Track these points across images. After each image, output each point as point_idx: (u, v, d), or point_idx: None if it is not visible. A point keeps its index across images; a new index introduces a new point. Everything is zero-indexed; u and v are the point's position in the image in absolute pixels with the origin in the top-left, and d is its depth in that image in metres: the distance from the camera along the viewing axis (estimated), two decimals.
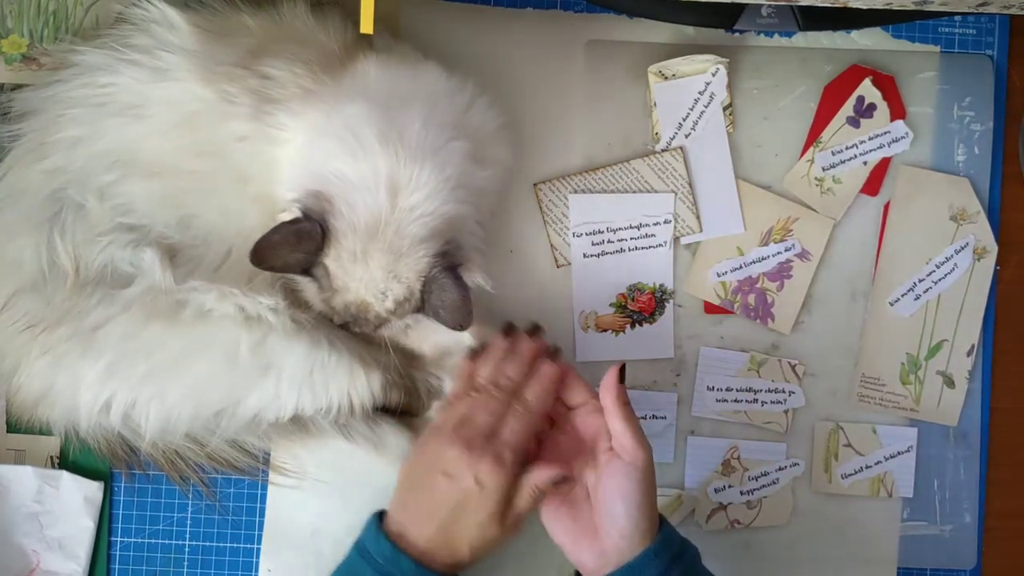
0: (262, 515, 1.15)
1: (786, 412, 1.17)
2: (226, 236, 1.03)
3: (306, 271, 1.01)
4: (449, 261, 1.00)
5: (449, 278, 0.99)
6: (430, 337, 1.10)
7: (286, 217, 0.99)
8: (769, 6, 1.07)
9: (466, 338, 1.09)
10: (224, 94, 0.99)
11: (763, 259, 1.16)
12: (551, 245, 1.16)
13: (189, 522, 1.15)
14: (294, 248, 0.98)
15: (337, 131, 0.97)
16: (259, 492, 1.15)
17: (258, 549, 1.15)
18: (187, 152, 1.01)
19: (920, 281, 1.17)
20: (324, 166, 0.98)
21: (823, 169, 1.16)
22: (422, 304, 1.01)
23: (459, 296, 0.99)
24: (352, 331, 1.06)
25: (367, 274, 0.99)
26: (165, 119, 1.01)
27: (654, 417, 1.16)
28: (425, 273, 0.99)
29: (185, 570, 1.15)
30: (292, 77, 1.00)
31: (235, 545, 1.15)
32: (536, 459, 1.03)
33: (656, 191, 1.15)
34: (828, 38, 1.17)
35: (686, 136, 1.15)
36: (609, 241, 1.15)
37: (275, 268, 1.00)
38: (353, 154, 0.97)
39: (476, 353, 1.07)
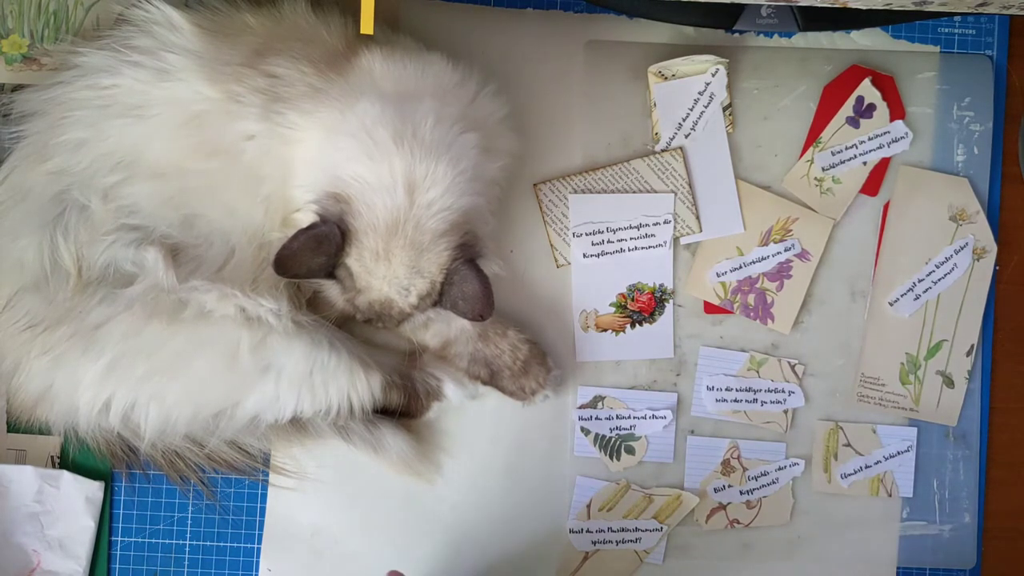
0: (262, 515, 1.15)
1: (786, 412, 1.17)
2: (231, 236, 1.03)
3: (329, 274, 1.01)
4: (468, 253, 1.00)
5: (470, 270, 1.00)
6: (432, 326, 1.11)
7: (302, 218, 0.99)
8: (769, 6, 1.07)
9: (468, 325, 1.09)
10: (231, 94, 1.00)
11: (763, 259, 1.16)
12: (551, 245, 1.16)
13: (189, 522, 1.15)
14: (315, 253, 0.98)
15: (352, 131, 0.98)
16: (259, 492, 1.15)
17: (258, 549, 1.15)
18: (193, 152, 1.01)
19: (920, 281, 1.17)
20: (341, 168, 0.98)
21: (823, 169, 1.16)
22: (440, 297, 1.01)
23: (480, 287, 1.00)
24: (375, 327, 1.08)
25: (390, 271, 0.99)
26: (170, 119, 1.01)
27: (654, 417, 1.16)
28: (446, 266, 1.00)
29: (185, 570, 1.15)
30: (299, 75, 1.00)
31: (235, 545, 1.16)
32: None
33: (656, 191, 1.16)
34: (828, 38, 1.17)
35: (686, 136, 1.16)
36: (609, 241, 1.15)
37: (299, 275, 1.01)
38: (369, 155, 0.97)
39: None
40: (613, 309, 1.16)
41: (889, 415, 1.17)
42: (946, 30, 1.17)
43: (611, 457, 1.16)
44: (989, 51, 1.18)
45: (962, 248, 1.17)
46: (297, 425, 1.11)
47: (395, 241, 0.98)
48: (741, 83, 1.17)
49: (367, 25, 0.93)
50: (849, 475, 1.17)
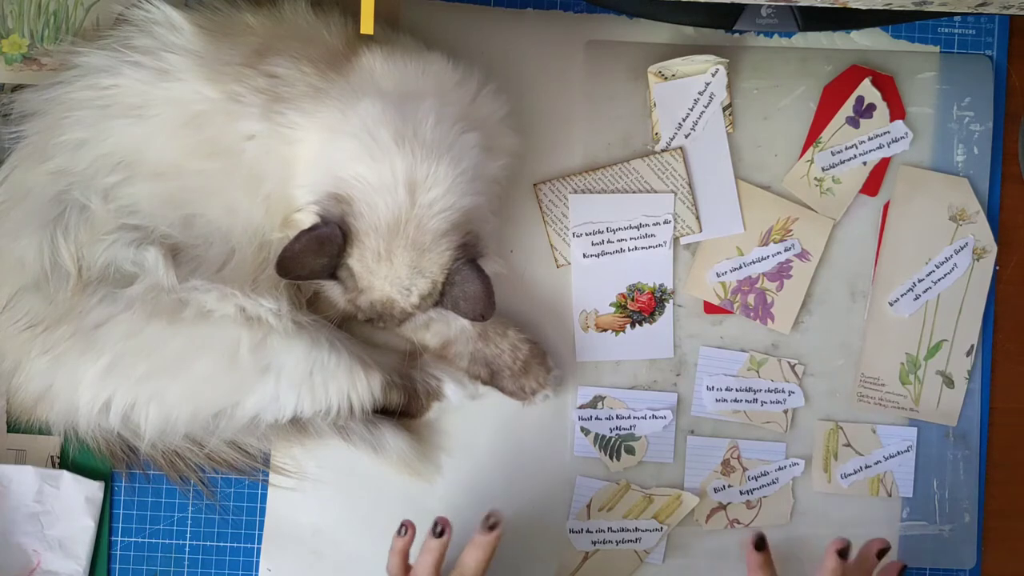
0: (262, 515, 1.15)
1: (786, 412, 1.17)
2: (230, 236, 1.03)
3: (331, 275, 1.01)
4: (470, 253, 1.00)
5: (472, 270, 1.00)
6: (433, 326, 1.11)
7: (303, 219, 0.99)
8: (769, 6, 1.07)
9: (468, 325, 1.09)
10: (232, 94, 1.00)
11: (763, 259, 1.16)
12: (551, 245, 1.16)
13: (189, 522, 1.15)
14: (317, 254, 0.98)
15: (353, 132, 0.98)
16: (259, 492, 1.15)
17: (258, 549, 1.15)
18: (193, 152, 1.01)
19: (920, 281, 1.17)
20: (342, 168, 0.98)
21: (823, 169, 1.16)
22: (441, 297, 1.01)
23: (482, 287, 1.00)
24: (376, 327, 1.08)
25: (392, 272, 0.99)
26: (170, 120, 1.01)
27: (654, 417, 1.16)
28: (448, 266, 1.00)
29: (185, 570, 1.15)
30: (300, 75, 1.00)
31: (235, 545, 1.16)
32: None
33: (656, 191, 1.16)
34: (828, 38, 1.17)
35: (686, 136, 1.16)
36: (609, 241, 1.15)
37: (302, 276, 1.00)
38: (371, 155, 0.97)
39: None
40: (613, 309, 1.16)
41: (889, 415, 1.17)
42: (946, 30, 1.17)
43: (611, 457, 1.16)
44: (989, 51, 1.18)
45: (962, 248, 1.17)
46: (297, 425, 1.11)
47: (397, 241, 0.98)
48: (741, 83, 1.17)
49: (367, 25, 0.93)
50: (849, 475, 1.17)
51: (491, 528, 1.04)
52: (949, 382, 1.17)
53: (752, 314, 1.17)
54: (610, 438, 1.16)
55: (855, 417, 1.17)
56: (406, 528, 1.05)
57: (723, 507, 1.16)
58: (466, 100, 1.03)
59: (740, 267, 1.16)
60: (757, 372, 1.17)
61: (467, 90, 1.03)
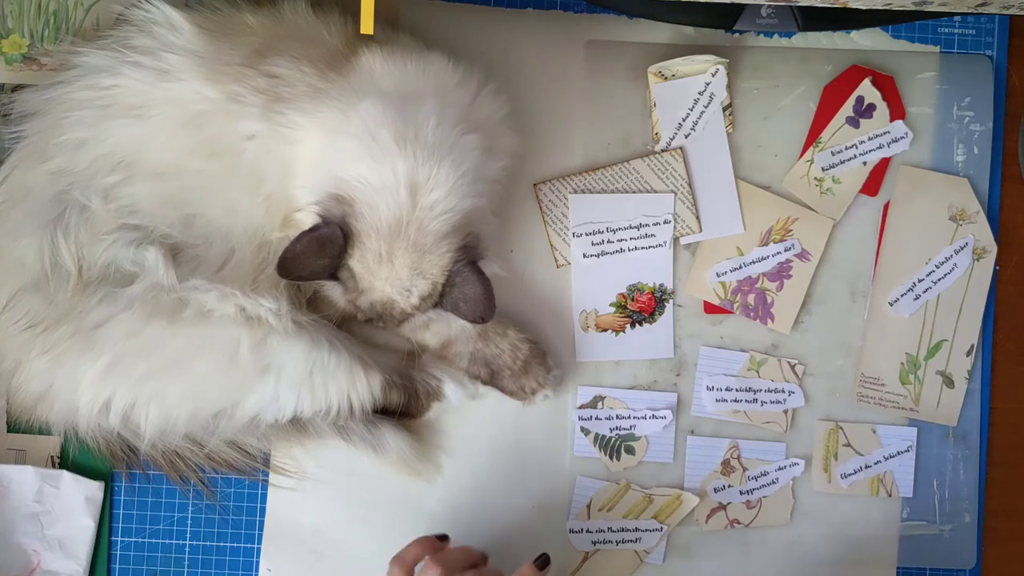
0: (262, 515, 1.15)
1: (786, 412, 1.17)
2: (230, 236, 1.03)
3: (332, 275, 1.01)
4: (470, 255, 1.00)
5: (472, 271, 1.00)
6: (433, 326, 1.11)
7: (303, 218, 0.99)
8: (769, 6, 1.07)
9: (468, 325, 1.09)
10: (232, 94, 1.00)
11: (763, 259, 1.16)
12: (551, 245, 1.16)
13: (189, 522, 1.15)
14: (318, 255, 0.98)
15: (354, 133, 0.98)
16: (259, 492, 1.15)
17: (258, 549, 1.15)
18: (193, 152, 1.01)
19: (920, 281, 1.17)
20: (343, 169, 0.98)
21: (823, 169, 1.16)
22: (440, 298, 1.01)
23: (482, 289, 1.00)
24: (376, 327, 1.08)
25: (392, 273, 0.99)
26: (170, 120, 1.01)
27: (654, 417, 1.16)
28: (448, 268, 1.00)
29: (185, 570, 1.15)
30: (300, 75, 1.00)
31: (235, 545, 1.16)
32: None
33: (656, 191, 1.16)
34: (828, 38, 1.17)
35: (686, 136, 1.16)
36: (609, 241, 1.15)
37: (303, 277, 1.01)
38: (372, 157, 0.97)
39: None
40: (613, 309, 1.16)
41: (889, 415, 1.17)
42: (946, 30, 1.17)
43: (611, 457, 1.16)
44: (989, 51, 1.18)
45: (962, 248, 1.17)
46: (297, 425, 1.11)
47: (398, 243, 0.98)
48: (741, 83, 1.17)
49: (367, 25, 0.93)
50: (849, 475, 1.17)
51: (542, 567, 1.06)
52: (949, 382, 1.17)
53: (752, 314, 1.17)
54: (610, 438, 1.16)
55: (855, 417, 1.17)
56: (446, 538, 1.07)
57: (723, 507, 1.16)
58: (466, 100, 1.03)
59: (740, 267, 1.16)
60: (757, 372, 1.17)
61: (467, 90, 1.03)
